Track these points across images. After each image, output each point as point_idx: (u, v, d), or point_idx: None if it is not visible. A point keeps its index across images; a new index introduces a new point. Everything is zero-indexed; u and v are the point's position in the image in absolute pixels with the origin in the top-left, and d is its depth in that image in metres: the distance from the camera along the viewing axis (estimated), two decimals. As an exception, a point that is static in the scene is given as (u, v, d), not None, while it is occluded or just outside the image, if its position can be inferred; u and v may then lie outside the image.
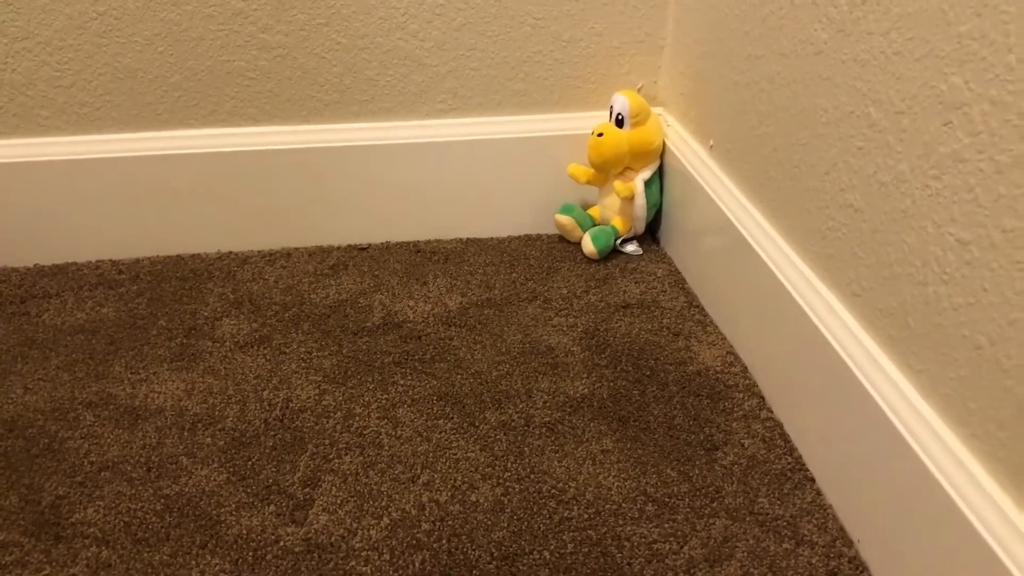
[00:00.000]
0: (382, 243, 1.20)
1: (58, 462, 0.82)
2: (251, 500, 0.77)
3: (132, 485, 0.79)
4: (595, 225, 1.17)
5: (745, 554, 0.71)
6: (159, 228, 1.16)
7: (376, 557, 0.71)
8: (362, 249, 1.19)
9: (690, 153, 1.07)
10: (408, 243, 1.20)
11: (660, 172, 1.15)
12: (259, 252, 1.18)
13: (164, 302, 1.07)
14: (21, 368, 0.95)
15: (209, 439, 0.85)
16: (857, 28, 0.69)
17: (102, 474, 0.81)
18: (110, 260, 1.16)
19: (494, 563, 0.71)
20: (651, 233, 1.21)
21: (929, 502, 0.60)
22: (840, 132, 0.73)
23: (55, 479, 0.80)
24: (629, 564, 0.71)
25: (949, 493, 0.58)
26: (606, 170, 1.12)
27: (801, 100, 0.79)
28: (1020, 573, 0.52)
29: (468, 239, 1.21)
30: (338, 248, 1.19)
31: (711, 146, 1.02)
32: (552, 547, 0.72)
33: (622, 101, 1.08)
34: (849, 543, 0.72)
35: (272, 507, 0.77)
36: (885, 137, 0.66)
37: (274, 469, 0.81)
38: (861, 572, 0.70)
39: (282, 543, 0.73)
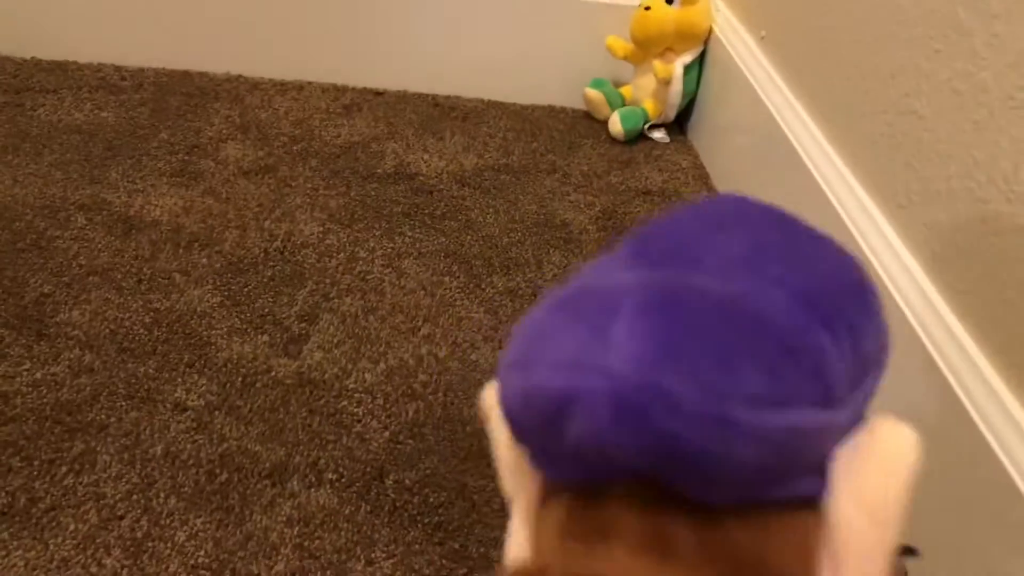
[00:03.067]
0: (399, 91, 1.14)
1: (45, 260, 0.79)
2: (244, 327, 0.75)
3: (121, 294, 0.76)
4: (624, 105, 1.12)
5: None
6: (168, 39, 1.09)
7: (369, 400, 0.69)
8: (378, 94, 1.13)
9: (738, 42, 1.01)
10: (427, 95, 1.14)
11: (701, 59, 1.09)
12: (270, 80, 1.12)
13: (167, 116, 1.02)
14: (12, 160, 0.90)
15: (205, 260, 0.81)
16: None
17: (90, 278, 0.77)
18: (112, 65, 1.10)
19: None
20: (679, 123, 1.16)
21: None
22: (916, 32, 0.68)
23: (41, 276, 0.77)
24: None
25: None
26: (647, 47, 1.07)
27: (879, -6, 0.74)
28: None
29: (489, 101, 1.15)
30: (353, 89, 1.13)
31: (762, 36, 0.96)
32: (548, 416, 0.71)
33: (676, -24, 1.02)
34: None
35: (266, 337, 0.74)
36: (971, 41, 0.62)
37: (271, 300, 0.78)
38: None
39: (273, 373, 0.71)
